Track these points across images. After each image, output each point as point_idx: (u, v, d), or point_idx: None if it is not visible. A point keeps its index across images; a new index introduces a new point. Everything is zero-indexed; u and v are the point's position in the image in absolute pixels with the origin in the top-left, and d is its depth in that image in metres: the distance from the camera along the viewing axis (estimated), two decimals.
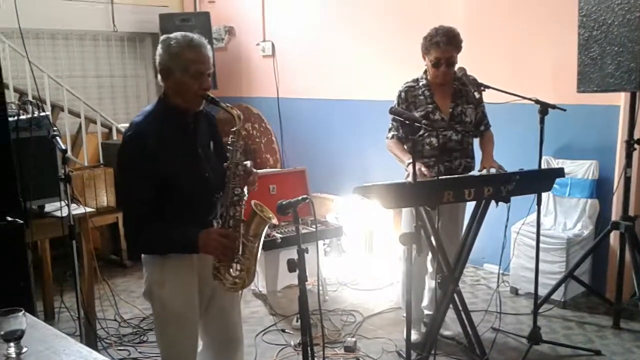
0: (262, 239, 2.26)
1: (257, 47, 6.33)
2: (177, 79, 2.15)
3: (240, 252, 2.20)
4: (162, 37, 2.21)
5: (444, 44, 3.19)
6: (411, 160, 2.71)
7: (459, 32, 3.26)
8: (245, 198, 2.25)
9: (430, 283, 3.62)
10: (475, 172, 3.33)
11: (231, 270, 2.21)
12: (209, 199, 2.27)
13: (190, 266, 2.26)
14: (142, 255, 2.30)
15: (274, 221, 2.26)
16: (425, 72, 3.38)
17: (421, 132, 3.29)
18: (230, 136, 2.19)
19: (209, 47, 2.19)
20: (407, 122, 2.80)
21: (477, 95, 3.21)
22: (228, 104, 2.24)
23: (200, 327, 2.43)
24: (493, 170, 3.15)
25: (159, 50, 2.18)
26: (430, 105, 3.32)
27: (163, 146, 2.13)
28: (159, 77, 2.20)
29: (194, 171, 2.22)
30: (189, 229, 2.17)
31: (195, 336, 2.37)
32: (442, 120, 3.31)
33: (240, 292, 2.40)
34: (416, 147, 3.25)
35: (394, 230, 4.80)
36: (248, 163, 2.24)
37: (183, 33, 2.19)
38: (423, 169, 3.11)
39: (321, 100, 5.86)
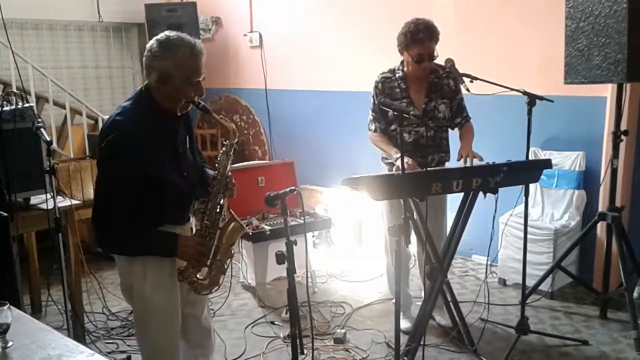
0: (233, 247, 2.32)
1: (245, 37, 6.29)
2: (176, 86, 2.11)
3: (210, 258, 2.25)
4: (161, 38, 2.11)
5: (427, 40, 3.17)
6: (399, 155, 2.70)
7: (435, 24, 3.22)
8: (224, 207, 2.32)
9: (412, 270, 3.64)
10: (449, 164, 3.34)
11: (198, 274, 2.25)
12: (188, 196, 2.30)
13: (172, 260, 2.25)
14: None
15: (247, 229, 2.34)
16: (402, 63, 3.36)
17: (393, 127, 3.29)
18: (223, 148, 2.23)
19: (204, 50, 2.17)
20: (396, 113, 2.79)
21: (463, 88, 3.19)
22: (222, 116, 2.26)
23: None
24: (473, 160, 3.15)
25: (157, 51, 2.09)
26: (404, 100, 3.31)
27: (148, 148, 2.10)
28: (154, 78, 2.11)
29: (175, 171, 2.22)
30: (170, 233, 2.19)
31: (178, 331, 2.36)
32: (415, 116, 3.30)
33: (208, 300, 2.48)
34: (403, 138, 3.24)
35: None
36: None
37: (182, 37, 2.11)
38: (410, 161, 3.11)
39: (309, 91, 5.84)
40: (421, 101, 3.33)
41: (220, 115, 2.25)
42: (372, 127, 3.41)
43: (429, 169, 3.02)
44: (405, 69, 3.33)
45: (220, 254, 2.26)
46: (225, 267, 2.29)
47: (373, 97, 3.38)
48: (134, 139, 2.07)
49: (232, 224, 2.28)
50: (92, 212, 2.15)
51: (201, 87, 2.16)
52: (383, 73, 3.39)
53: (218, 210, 2.26)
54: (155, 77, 2.11)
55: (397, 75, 3.36)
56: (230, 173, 2.28)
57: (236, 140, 2.24)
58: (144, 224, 2.14)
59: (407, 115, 2.80)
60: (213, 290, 2.30)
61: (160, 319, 2.27)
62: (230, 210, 2.32)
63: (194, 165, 2.35)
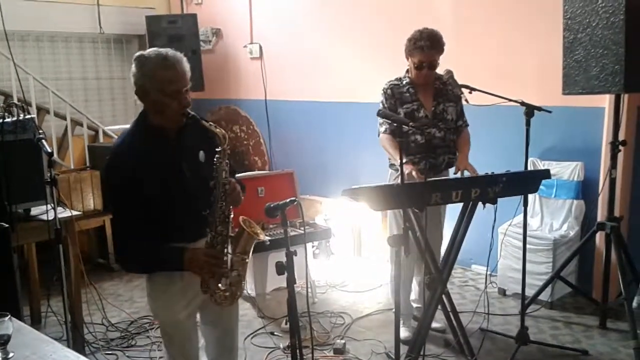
0: (251, 254, 2.28)
1: (245, 49, 6.32)
2: (154, 99, 2.11)
3: (228, 268, 2.21)
4: (135, 55, 2.15)
5: (427, 48, 3.26)
6: (404, 161, 2.72)
7: (441, 35, 3.31)
8: (232, 216, 2.25)
9: (417, 276, 3.64)
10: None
11: (220, 284, 2.21)
12: (197, 214, 2.21)
13: (179, 277, 2.23)
14: None
15: (262, 237, 2.28)
16: (408, 71, 3.44)
17: (406, 129, 3.32)
18: (216, 156, 2.16)
19: (184, 60, 2.13)
20: (395, 124, 2.82)
21: (462, 96, 3.23)
22: (211, 123, 2.20)
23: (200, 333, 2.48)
24: (467, 173, 3.19)
25: (133, 69, 2.13)
26: (415, 103, 3.38)
27: (144, 168, 2.10)
28: (136, 95, 2.15)
29: (178, 189, 2.18)
30: (175, 248, 2.17)
31: (189, 349, 2.37)
32: (426, 117, 3.37)
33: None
34: (403, 148, 3.27)
35: (383, 232, 4.82)
36: (232, 180, 2.23)
37: (156, 50, 2.13)
38: (414, 173, 3.13)
39: (309, 102, 5.87)
40: (430, 104, 3.41)
41: (210, 122, 2.18)
42: (382, 129, 3.44)
43: (428, 179, 3.03)
44: (410, 75, 3.41)
45: (235, 265, 2.23)
46: (242, 277, 2.26)
47: (382, 102, 3.43)
48: (124, 162, 2.12)
49: (244, 233, 2.24)
50: None
51: (183, 97, 2.11)
52: (390, 81, 3.47)
53: (222, 218, 2.19)
54: (136, 95, 2.16)
55: (404, 82, 3.44)
56: (228, 179, 2.20)
57: (227, 145, 2.17)
58: (152, 241, 2.15)
59: (406, 126, 2.82)
60: (234, 302, 2.29)
61: (170, 335, 2.34)
62: (242, 218, 2.25)
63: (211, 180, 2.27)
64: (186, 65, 2.14)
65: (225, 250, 2.21)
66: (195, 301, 2.31)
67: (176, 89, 2.09)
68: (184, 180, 2.20)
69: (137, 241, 2.13)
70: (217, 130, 2.16)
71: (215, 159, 2.15)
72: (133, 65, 2.13)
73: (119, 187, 2.13)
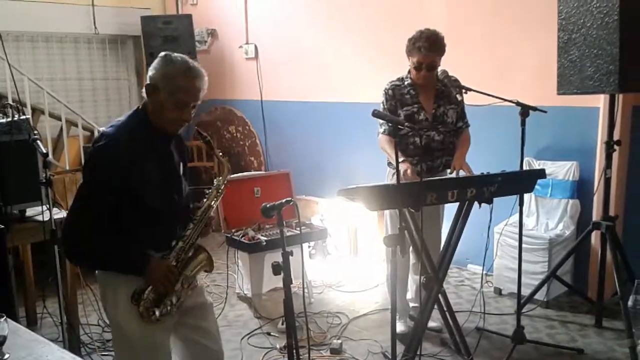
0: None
1: (240, 49, 6.32)
2: (160, 100, 2.08)
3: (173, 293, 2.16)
4: (162, 53, 2.14)
5: (425, 49, 3.24)
6: (401, 160, 2.72)
7: (442, 37, 3.30)
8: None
9: (413, 275, 3.65)
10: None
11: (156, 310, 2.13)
12: (173, 221, 2.22)
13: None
14: (97, 271, 2.22)
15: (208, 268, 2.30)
16: (410, 71, 3.43)
17: (405, 131, 3.32)
18: (215, 182, 2.27)
19: (205, 79, 2.13)
20: (390, 124, 2.82)
21: (458, 97, 3.25)
22: (220, 152, 2.34)
23: (179, 342, 2.34)
24: (462, 173, 3.19)
25: (156, 64, 2.10)
26: (415, 105, 3.38)
27: (132, 160, 2.05)
28: (145, 88, 2.13)
29: (162, 192, 2.16)
30: (142, 252, 2.11)
31: None
32: (426, 120, 3.36)
33: (210, 302, 2.43)
34: (401, 149, 3.28)
35: (379, 232, 4.82)
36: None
37: (184, 57, 2.12)
38: (409, 172, 3.13)
39: (305, 102, 5.87)
40: (430, 107, 3.41)
41: (220, 152, 2.32)
42: (381, 129, 3.44)
43: (425, 179, 3.03)
44: (411, 75, 3.41)
45: (182, 284, 2.18)
46: (177, 300, 2.18)
47: (382, 102, 3.43)
48: (119, 148, 2.03)
49: (202, 254, 2.23)
50: (65, 217, 2.14)
51: (187, 111, 2.10)
52: (392, 81, 3.46)
53: (191, 244, 2.20)
54: (145, 88, 2.12)
55: (405, 82, 3.43)
56: (212, 211, 2.26)
57: (228, 178, 2.30)
58: (120, 240, 2.07)
59: (401, 127, 2.83)
60: (148, 321, 2.12)
61: (135, 349, 2.14)
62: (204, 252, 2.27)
63: (186, 191, 2.30)
64: (204, 84, 2.13)
65: (178, 276, 2.17)
66: (172, 319, 2.22)
67: (185, 100, 2.09)
68: (170, 184, 2.20)
69: (101, 231, 2.03)
70: (226, 163, 2.31)
71: (214, 185, 2.26)
72: (157, 61, 2.11)
73: (105, 174, 2.03)
